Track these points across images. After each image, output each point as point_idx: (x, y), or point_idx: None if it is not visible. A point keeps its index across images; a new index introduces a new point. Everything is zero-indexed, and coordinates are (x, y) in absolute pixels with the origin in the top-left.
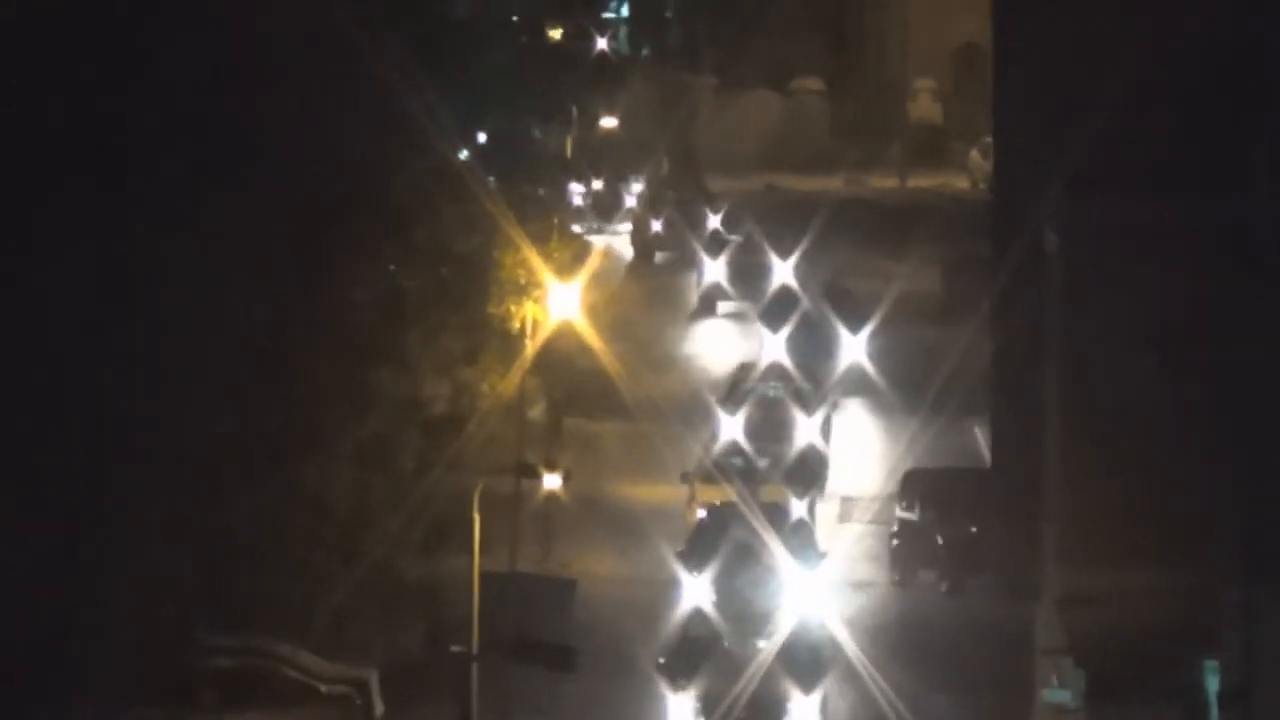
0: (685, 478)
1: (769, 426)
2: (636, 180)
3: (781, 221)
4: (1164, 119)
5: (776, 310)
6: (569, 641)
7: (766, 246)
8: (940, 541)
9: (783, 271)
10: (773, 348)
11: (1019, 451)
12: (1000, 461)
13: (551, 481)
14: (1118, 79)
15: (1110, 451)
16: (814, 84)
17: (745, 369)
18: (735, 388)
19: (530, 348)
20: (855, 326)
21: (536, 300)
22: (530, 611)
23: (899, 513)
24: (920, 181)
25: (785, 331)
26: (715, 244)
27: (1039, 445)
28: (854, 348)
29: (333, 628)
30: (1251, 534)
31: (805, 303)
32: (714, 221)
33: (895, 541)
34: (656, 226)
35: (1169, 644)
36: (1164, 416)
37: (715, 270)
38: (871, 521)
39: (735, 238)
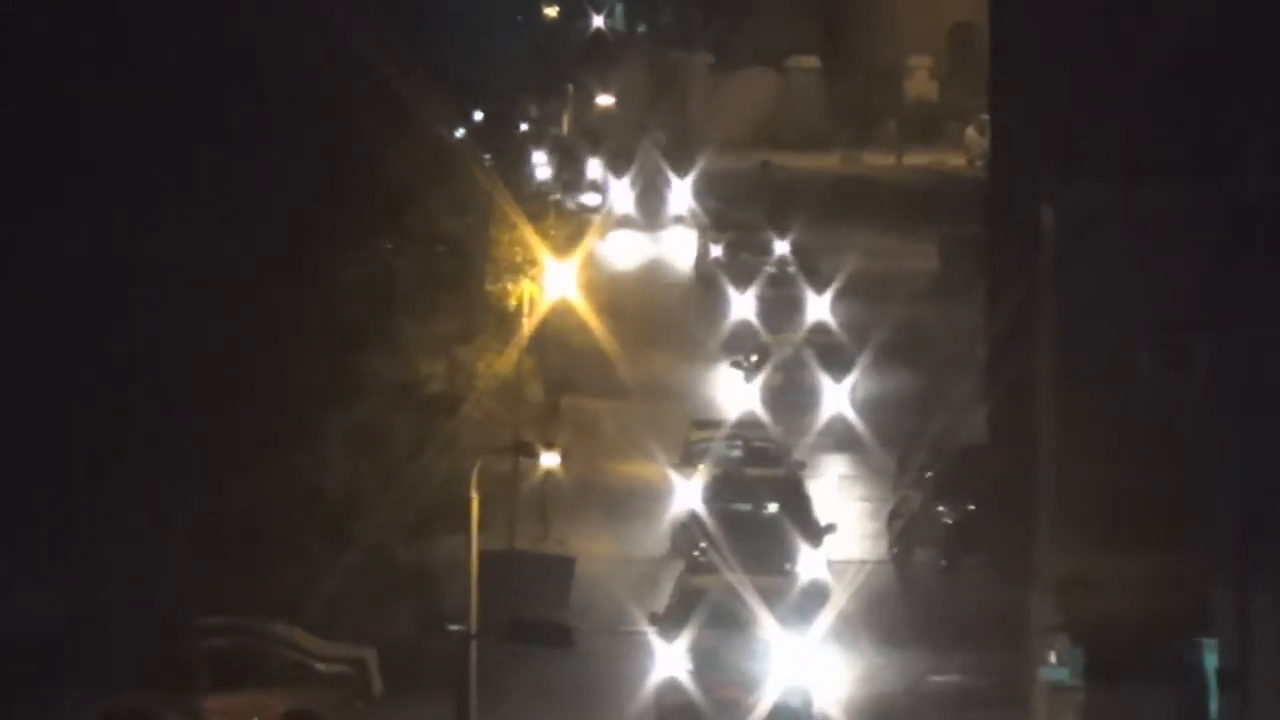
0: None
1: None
2: (676, 179)
3: (777, 200)
4: (1162, 103)
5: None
6: (567, 620)
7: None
8: (938, 518)
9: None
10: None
11: (1015, 432)
12: (998, 441)
13: (549, 460)
14: (1116, 61)
15: (1105, 435)
16: (809, 62)
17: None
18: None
19: (527, 326)
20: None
21: (533, 279)
22: (528, 590)
23: (896, 489)
24: (916, 159)
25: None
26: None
27: (1033, 426)
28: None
29: (328, 611)
30: (1248, 517)
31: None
32: (781, 247)
33: (892, 519)
34: (716, 251)
35: (1166, 625)
36: (1159, 400)
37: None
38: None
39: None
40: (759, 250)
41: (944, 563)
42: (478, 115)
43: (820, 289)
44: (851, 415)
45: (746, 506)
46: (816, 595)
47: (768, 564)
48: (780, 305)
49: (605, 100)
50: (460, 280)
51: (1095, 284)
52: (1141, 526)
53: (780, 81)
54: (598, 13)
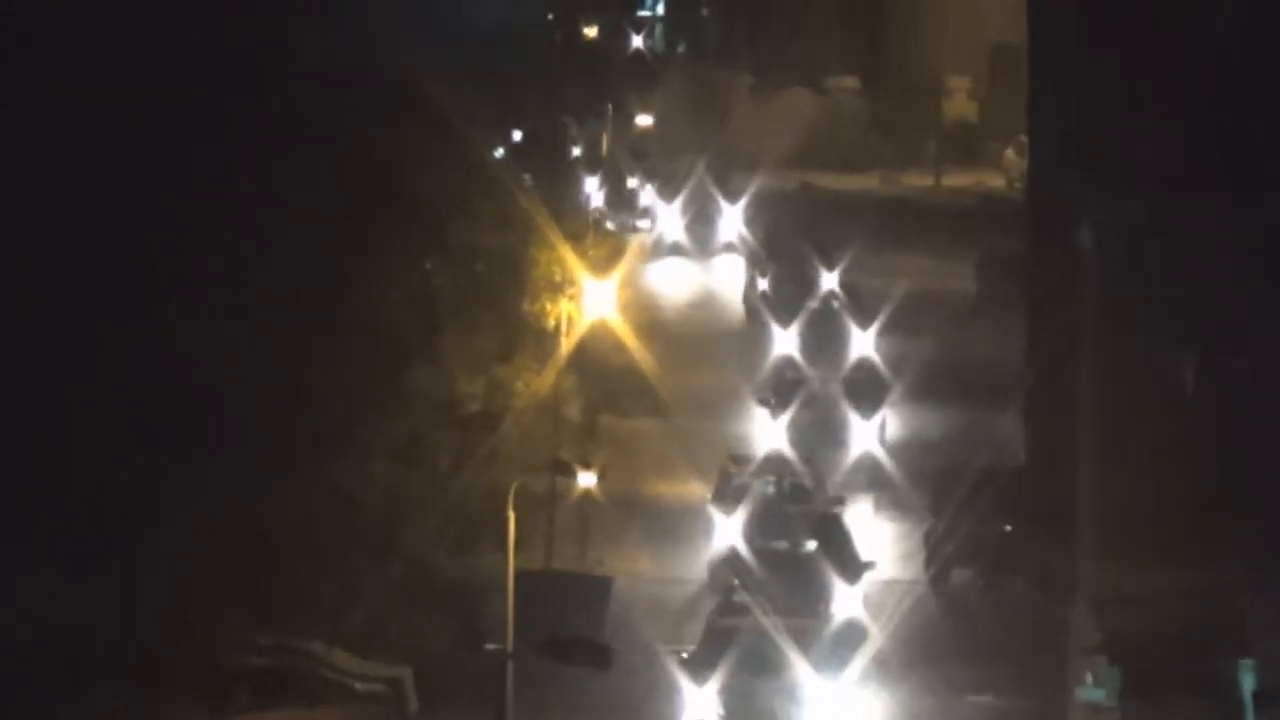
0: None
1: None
2: (726, 206)
3: (818, 222)
4: (1202, 119)
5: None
6: (605, 640)
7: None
8: (974, 540)
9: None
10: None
11: (1053, 450)
12: (1034, 460)
13: (587, 479)
14: (1154, 78)
15: (1145, 451)
16: (850, 83)
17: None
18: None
19: (565, 345)
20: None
21: (571, 298)
22: (566, 610)
23: (931, 512)
24: (955, 180)
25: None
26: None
27: (1073, 443)
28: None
29: (368, 626)
30: None
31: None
32: (830, 281)
33: (929, 540)
34: (764, 285)
35: (1204, 645)
36: (1200, 417)
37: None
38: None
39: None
40: (806, 283)
41: (982, 582)
42: (517, 135)
43: (865, 323)
44: (880, 453)
45: (783, 545)
46: (852, 637)
47: (802, 605)
48: (824, 341)
49: (645, 120)
50: (500, 299)
51: (1135, 300)
52: (1182, 544)
53: (820, 102)
54: (637, 32)
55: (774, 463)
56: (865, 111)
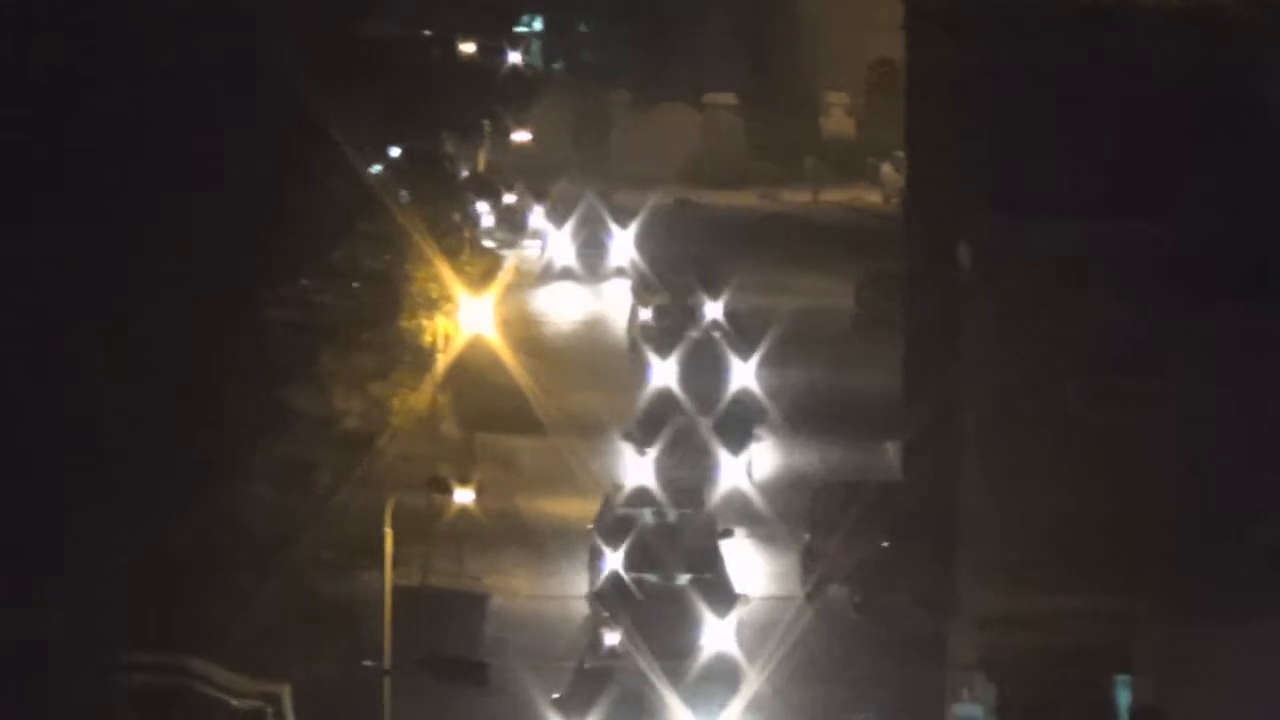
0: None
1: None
2: (618, 230)
3: (699, 241)
4: (1081, 140)
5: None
6: (481, 657)
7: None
8: (851, 556)
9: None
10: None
11: (932, 467)
12: (913, 476)
13: (464, 496)
14: (1034, 98)
15: (1027, 470)
16: (728, 99)
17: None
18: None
19: (442, 362)
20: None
21: (448, 315)
22: (443, 626)
23: (809, 528)
24: (833, 196)
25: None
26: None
27: (953, 462)
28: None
29: (252, 645)
30: (1167, 556)
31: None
32: (714, 310)
33: (805, 557)
34: (645, 315)
35: (1083, 663)
36: (1085, 438)
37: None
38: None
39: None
40: (689, 314)
41: (857, 599)
42: (395, 152)
43: (747, 354)
44: (748, 488)
45: (655, 579)
46: (725, 672)
47: (673, 641)
48: (702, 374)
49: (523, 137)
50: (377, 317)
51: (1015, 319)
52: (1063, 564)
53: (698, 118)
54: (515, 49)
55: (642, 496)
56: (743, 128)
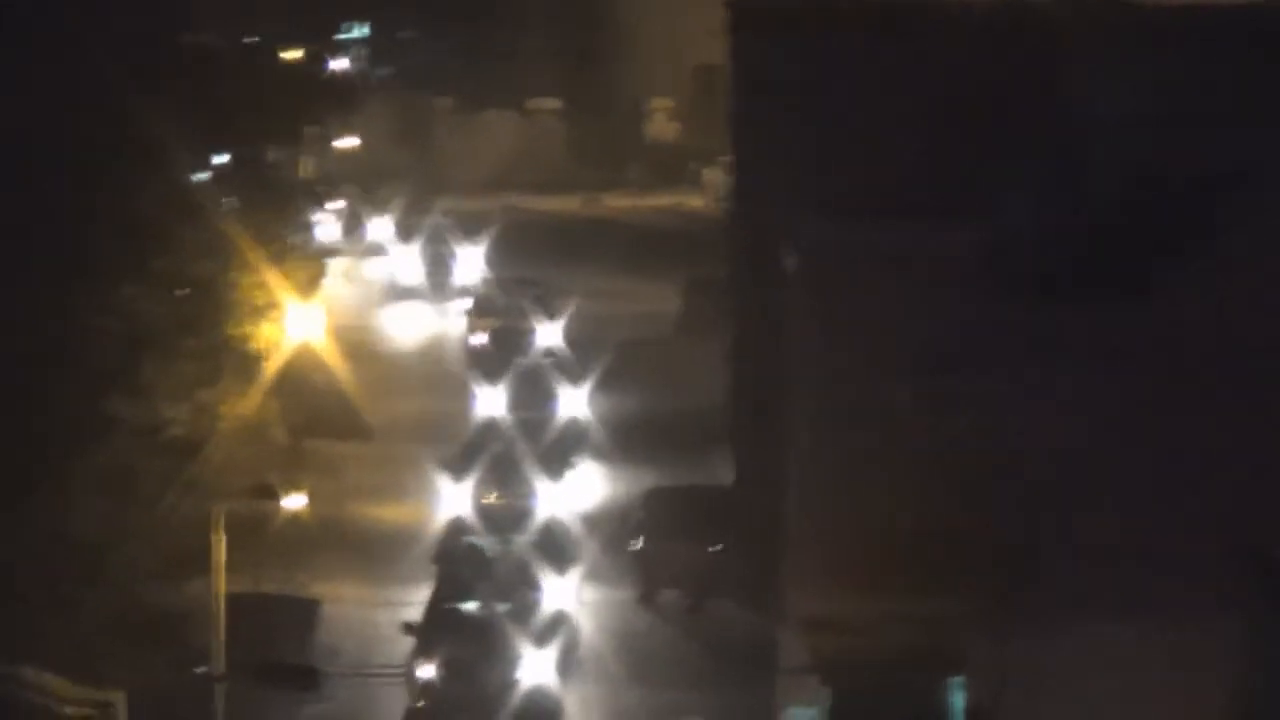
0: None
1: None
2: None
3: (520, 245)
4: (910, 145)
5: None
6: (313, 662)
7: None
8: (682, 560)
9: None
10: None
11: (761, 472)
12: (742, 481)
13: (292, 503)
14: (857, 101)
15: (856, 475)
16: (551, 104)
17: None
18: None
19: (269, 369)
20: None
21: (274, 320)
22: (274, 633)
23: (640, 531)
24: (657, 201)
25: None
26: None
27: (782, 466)
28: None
29: (79, 655)
30: (999, 557)
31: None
32: (550, 336)
33: (637, 560)
34: (478, 341)
35: (915, 666)
36: (912, 441)
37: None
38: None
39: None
40: (524, 338)
41: (689, 603)
42: (219, 159)
43: (578, 379)
44: (566, 516)
45: (473, 608)
46: (544, 703)
47: (490, 672)
48: (531, 402)
49: (348, 144)
50: (202, 324)
51: (843, 325)
52: (895, 569)
53: (521, 124)
54: (339, 55)
55: (458, 525)
56: (566, 132)
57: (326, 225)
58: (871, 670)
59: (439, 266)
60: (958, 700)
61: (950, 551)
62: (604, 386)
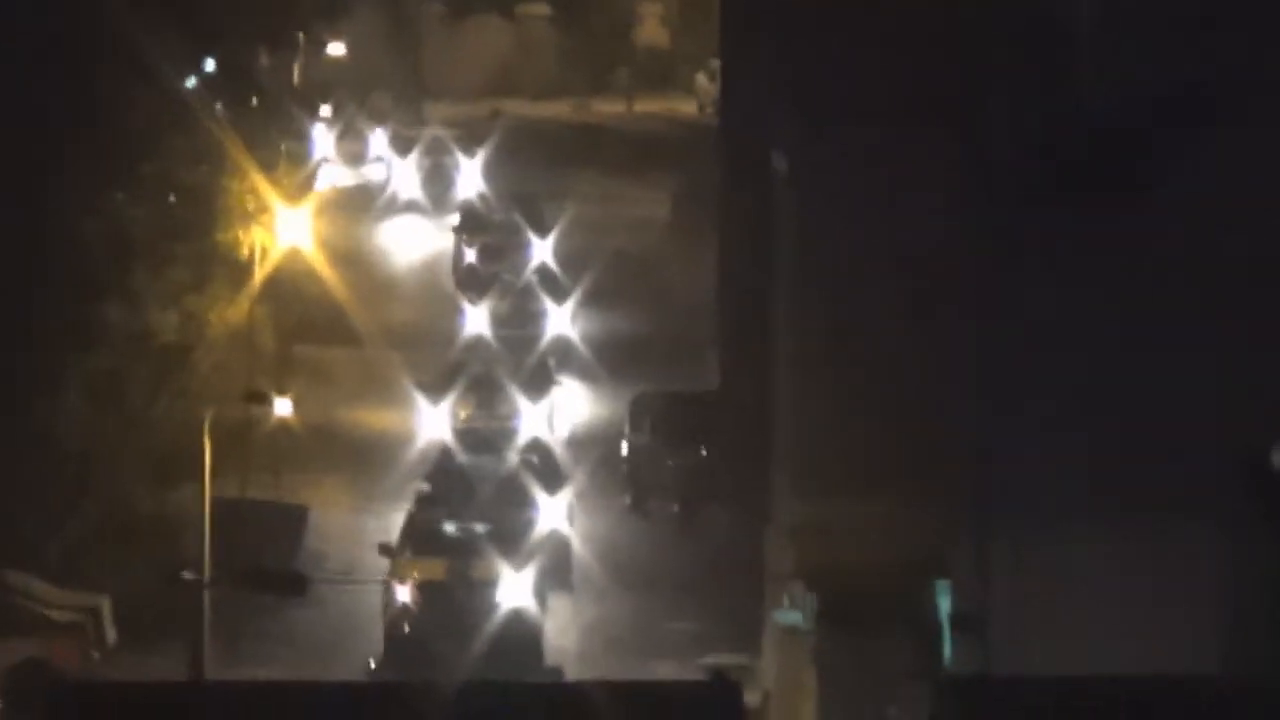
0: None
1: None
2: (465, 160)
3: (510, 150)
4: (897, 48)
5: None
6: (299, 568)
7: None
8: (670, 465)
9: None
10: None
11: (749, 377)
12: (730, 386)
13: (281, 408)
14: (848, 4)
15: (843, 379)
16: (540, 9)
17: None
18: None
19: (258, 275)
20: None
21: (264, 226)
22: (261, 539)
23: (628, 437)
24: (647, 107)
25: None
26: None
27: (769, 371)
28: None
29: (67, 560)
30: (987, 462)
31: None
32: (542, 251)
33: (626, 466)
34: (471, 256)
35: (903, 571)
36: (901, 348)
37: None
38: None
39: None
40: (517, 255)
41: (677, 509)
42: (209, 65)
43: (562, 299)
44: (548, 436)
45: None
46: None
47: (475, 596)
48: (518, 320)
49: (337, 50)
50: (193, 230)
51: (831, 230)
52: (880, 474)
53: (511, 29)
54: None
55: (440, 448)
56: (556, 38)
57: (321, 133)
58: (859, 575)
59: (438, 179)
60: (944, 603)
61: (932, 457)
62: (592, 300)
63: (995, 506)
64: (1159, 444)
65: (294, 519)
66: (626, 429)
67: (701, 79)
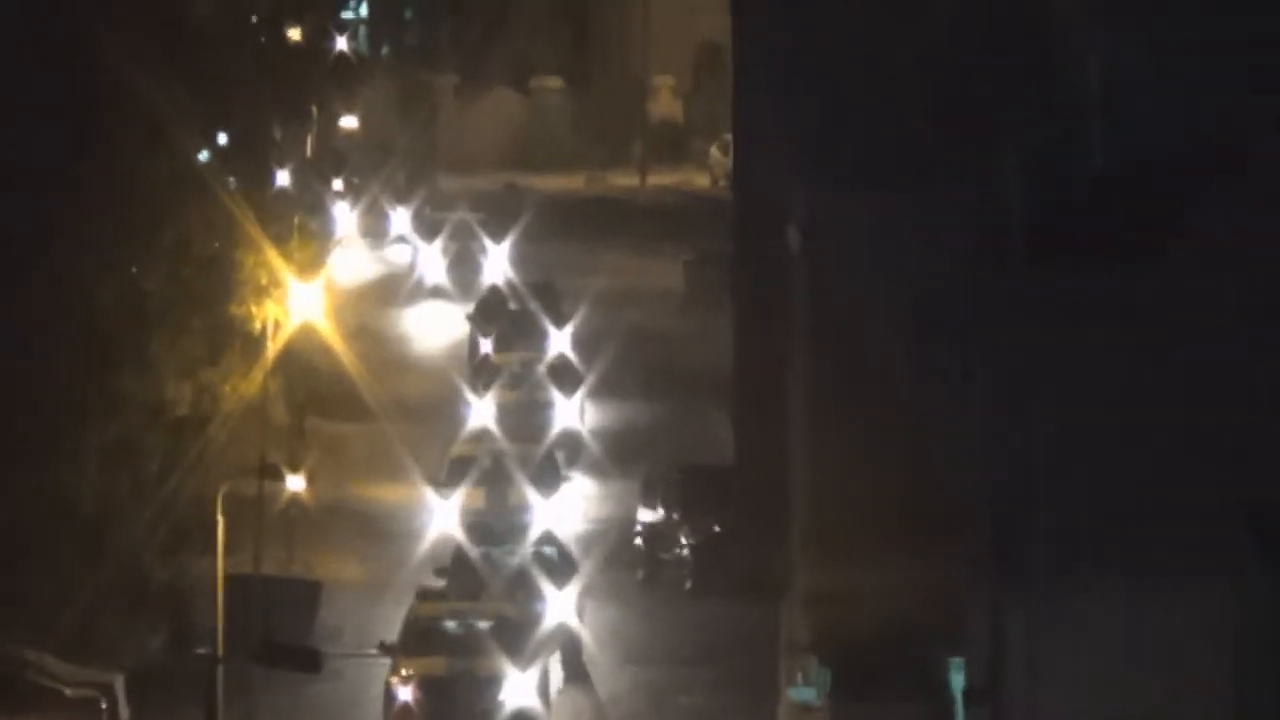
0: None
1: None
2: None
3: (525, 223)
4: (908, 115)
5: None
6: (314, 643)
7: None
8: (683, 541)
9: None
10: None
11: (764, 449)
12: (745, 459)
13: (295, 483)
14: (858, 77)
15: (857, 448)
16: (554, 82)
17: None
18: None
19: (272, 348)
20: None
21: (277, 300)
22: (275, 614)
23: (641, 512)
24: (661, 179)
25: None
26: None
27: (784, 442)
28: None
29: (80, 631)
30: (1000, 532)
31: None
32: (560, 339)
33: (638, 541)
34: (486, 347)
35: (916, 643)
36: (911, 414)
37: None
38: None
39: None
40: (532, 344)
41: (689, 584)
42: (223, 138)
43: (571, 391)
44: (559, 537)
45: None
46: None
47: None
48: (528, 413)
49: (350, 122)
50: (207, 302)
51: (847, 295)
52: (895, 542)
53: (525, 102)
54: (342, 34)
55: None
56: (570, 111)
57: (339, 207)
58: (873, 648)
59: (464, 265)
60: (958, 680)
61: (947, 523)
62: (606, 384)
63: (1008, 570)
64: (1171, 502)
65: (308, 594)
66: (639, 504)
67: (715, 152)
